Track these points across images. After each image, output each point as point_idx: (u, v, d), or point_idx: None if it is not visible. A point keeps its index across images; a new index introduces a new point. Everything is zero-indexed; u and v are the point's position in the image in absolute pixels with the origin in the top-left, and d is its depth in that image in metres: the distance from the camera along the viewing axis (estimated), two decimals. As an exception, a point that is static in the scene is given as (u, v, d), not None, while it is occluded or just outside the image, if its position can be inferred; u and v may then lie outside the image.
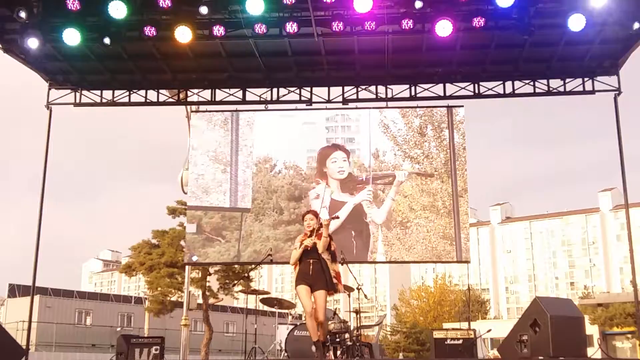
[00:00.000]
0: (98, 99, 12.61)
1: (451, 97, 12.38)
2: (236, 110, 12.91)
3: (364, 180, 12.41)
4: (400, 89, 12.42)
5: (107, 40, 9.85)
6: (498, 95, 12.21)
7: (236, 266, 23.22)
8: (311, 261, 7.59)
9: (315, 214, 7.97)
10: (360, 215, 12.31)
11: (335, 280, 7.68)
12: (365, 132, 12.63)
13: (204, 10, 9.56)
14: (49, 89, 12.42)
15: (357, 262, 13.15)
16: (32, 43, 9.71)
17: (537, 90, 12.13)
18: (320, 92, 12.57)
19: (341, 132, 12.83)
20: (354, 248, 12.13)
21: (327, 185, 12.43)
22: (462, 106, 12.66)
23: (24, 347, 10.12)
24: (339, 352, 9.16)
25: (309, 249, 7.63)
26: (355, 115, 12.84)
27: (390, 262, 12.99)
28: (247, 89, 12.56)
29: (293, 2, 9.30)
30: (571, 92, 12.18)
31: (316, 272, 7.57)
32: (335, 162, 12.61)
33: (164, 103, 12.81)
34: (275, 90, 12.54)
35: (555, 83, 12.15)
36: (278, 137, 12.79)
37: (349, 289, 9.82)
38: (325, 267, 7.59)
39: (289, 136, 12.79)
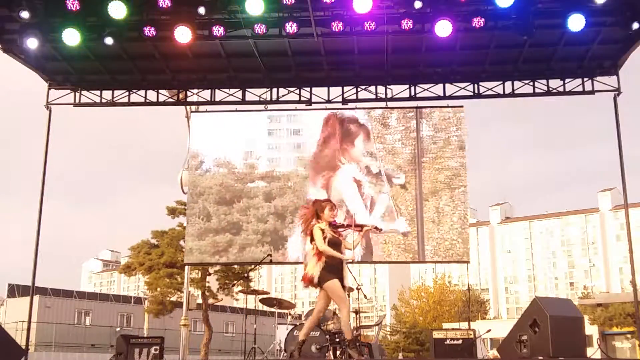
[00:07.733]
0: (98, 99, 12.59)
1: (451, 97, 12.36)
2: (236, 111, 12.92)
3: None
4: (399, 89, 12.41)
5: (107, 41, 9.85)
6: (497, 96, 12.20)
7: (235, 266, 23.23)
8: None
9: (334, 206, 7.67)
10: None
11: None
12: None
13: (203, 10, 9.56)
14: (49, 89, 12.40)
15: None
16: (32, 43, 9.70)
17: (537, 91, 12.11)
18: (320, 92, 12.58)
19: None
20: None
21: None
22: (462, 106, 12.66)
23: (24, 347, 10.11)
24: (338, 352, 9.17)
25: (340, 242, 7.41)
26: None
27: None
28: (247, 89, 12.55)
29: (293, 2, 9.30)
30: (571, 92, 12.17)
31: (345, 268, 7.38)
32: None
33: (164, 103, 12.80)
34: (275, 90, 12.53)
35: (555, 83, 12.14)
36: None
37: (348, 289, 9.82)
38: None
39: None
